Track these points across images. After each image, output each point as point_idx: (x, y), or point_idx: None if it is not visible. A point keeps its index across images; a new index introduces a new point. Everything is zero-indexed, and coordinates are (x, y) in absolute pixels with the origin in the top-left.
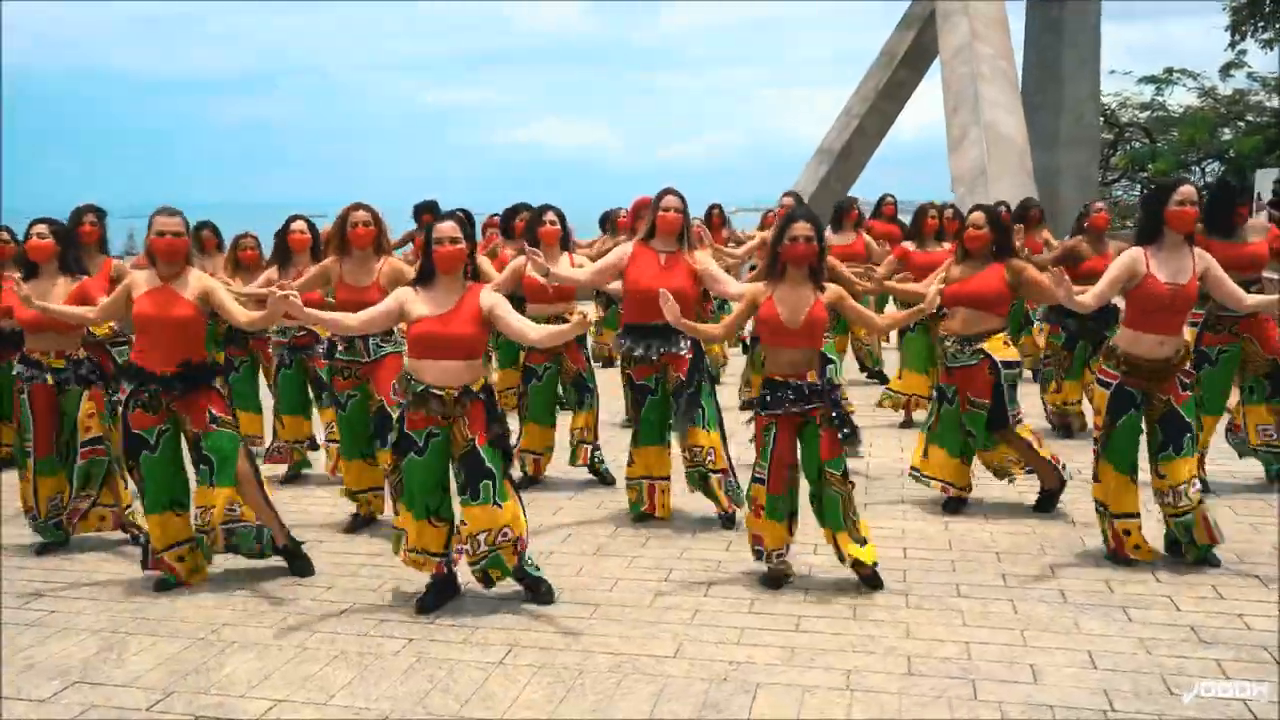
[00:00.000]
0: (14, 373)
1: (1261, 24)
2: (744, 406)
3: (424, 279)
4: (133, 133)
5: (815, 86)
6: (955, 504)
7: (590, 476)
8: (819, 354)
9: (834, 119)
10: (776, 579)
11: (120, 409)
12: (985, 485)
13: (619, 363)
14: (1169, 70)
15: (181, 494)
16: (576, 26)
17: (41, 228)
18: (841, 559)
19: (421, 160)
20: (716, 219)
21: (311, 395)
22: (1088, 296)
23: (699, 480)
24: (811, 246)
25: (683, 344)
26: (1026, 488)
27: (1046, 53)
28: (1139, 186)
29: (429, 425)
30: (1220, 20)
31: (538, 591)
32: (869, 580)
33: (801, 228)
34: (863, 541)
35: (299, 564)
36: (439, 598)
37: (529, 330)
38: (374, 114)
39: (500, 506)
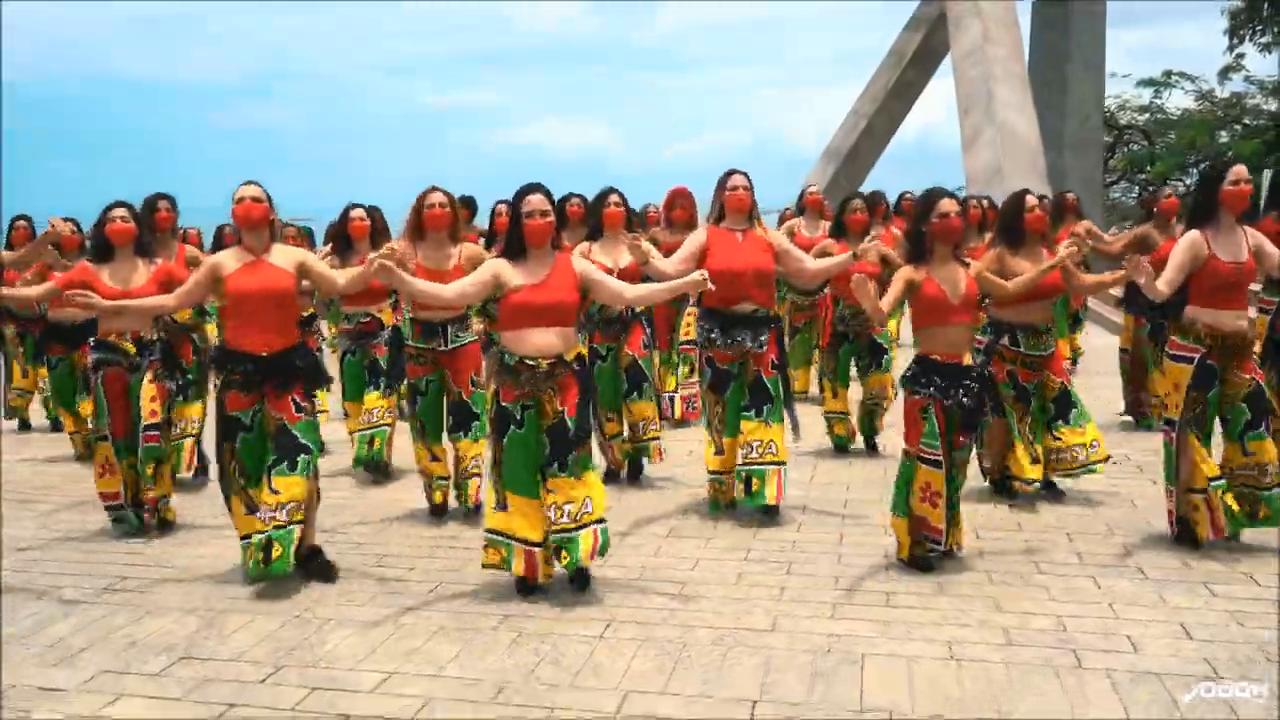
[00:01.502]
0: (90, 359)
1: (1260, 28)
2: (904, 383)
3: (513, 253)
4: (132, 134)
5: (816, 86)
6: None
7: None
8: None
9: (840, 119)
10: (928, 562)
11: (217, 392)
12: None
13: (686, 345)
14: (1167, 73)
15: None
16: (577, 26)
17: (122, 211)
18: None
19: (421, 160)
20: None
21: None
22: (1162, 284)
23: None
24: (960, 221)
25: (765, 337)
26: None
27: (1052, 54)
28: (1137, 189)
29: (521, 398)
30: (1219, 23)
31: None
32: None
33: (949, 204)
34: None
35: (320, 566)
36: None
37: (625, 290)
38: (373, 115)
39: (580, 479)
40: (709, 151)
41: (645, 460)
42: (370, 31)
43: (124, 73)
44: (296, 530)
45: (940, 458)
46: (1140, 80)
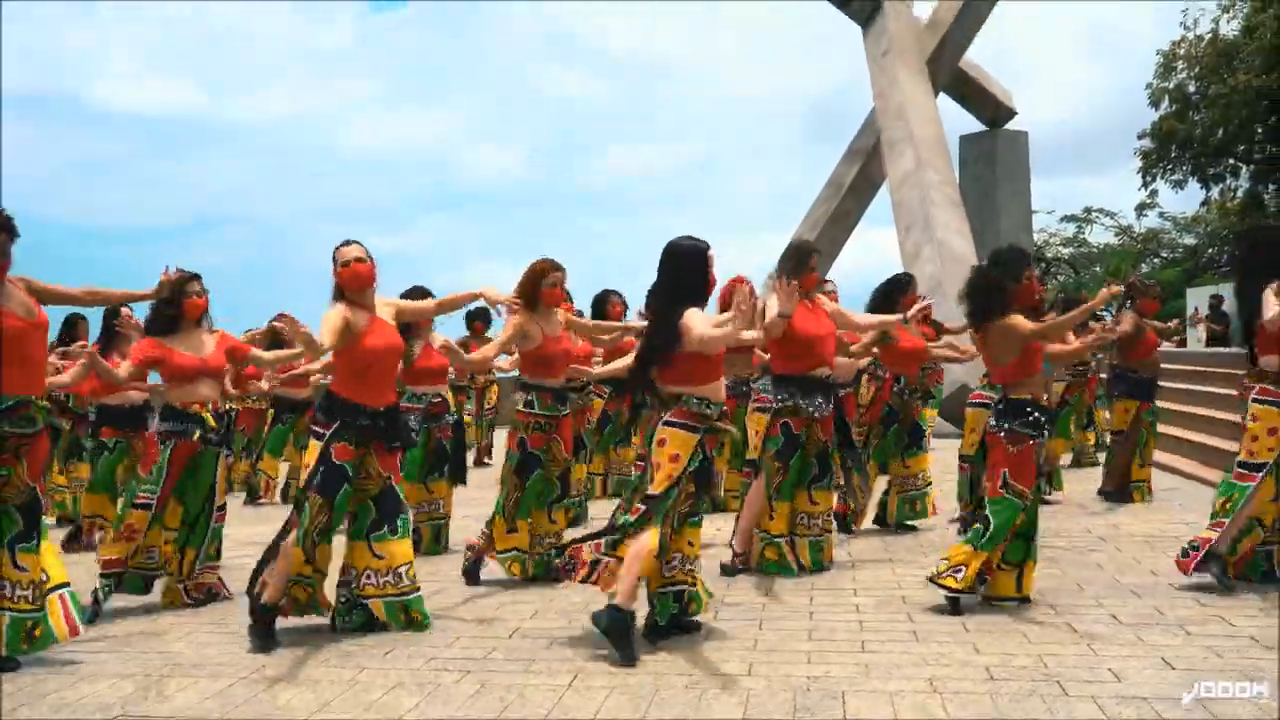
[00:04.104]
0: (160, 428)
1: (1169, 167)
2: (1021, 428)
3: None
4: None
5: (756, 229)
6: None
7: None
8: None
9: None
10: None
11: (323, 442)
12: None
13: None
14: (1088, 209)
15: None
16: (515, 175)
17: (198, 285)
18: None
19: None
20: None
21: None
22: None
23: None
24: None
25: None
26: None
27: (981, 181)
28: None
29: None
30: (1129, 166)
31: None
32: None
33: (1031, 270)
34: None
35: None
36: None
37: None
38: (311, 258)
39: (830, 492)
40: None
41: None
42: (307, 175)
43: (58, 218)
44: (418, 592)
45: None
46: (1064, 216)
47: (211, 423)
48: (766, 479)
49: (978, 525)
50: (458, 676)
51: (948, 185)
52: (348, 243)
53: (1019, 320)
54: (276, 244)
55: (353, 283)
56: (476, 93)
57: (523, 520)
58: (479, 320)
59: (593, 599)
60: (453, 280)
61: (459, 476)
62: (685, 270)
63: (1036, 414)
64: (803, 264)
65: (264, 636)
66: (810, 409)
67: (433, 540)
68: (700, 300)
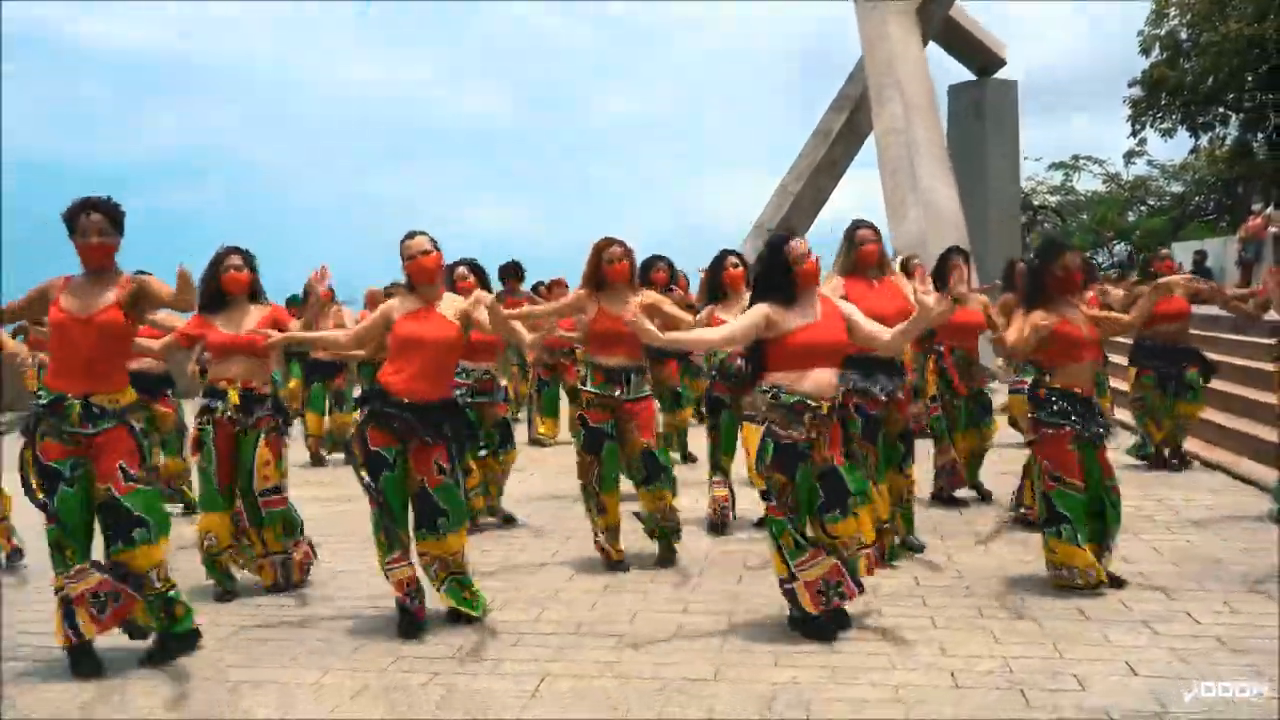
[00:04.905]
0: (199, 404)
1: (1159, 115)
2: (1047, 418)
3: (778, 298)
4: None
5: (737, 168)
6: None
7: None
8: None
9: (761, 199)
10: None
11: (359, 427)
12: (975, 513)
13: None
14: (1076, 157)
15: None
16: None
17: (237, 260)
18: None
19: (344, 241)
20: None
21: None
22: None
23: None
24: (1083, 275)
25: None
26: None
27: (969, 134)
28: None
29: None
30: (1120, 108)
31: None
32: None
33: (1075, 258)
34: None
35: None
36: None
37: (882, 332)
38: (296, 200)
39: (857, 516)
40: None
41: None
42: (291, 117)
43: (44, 157)
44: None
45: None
46: (1052, 163)
47: (234, 399)
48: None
49: (1056, 522)
50: (424, 679)
51: (935, 140)
52: (413, 234)
53: (1034, 316)
54: (261, 186)
55: (420, 276)
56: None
57: (607, 495)
58: (513, 278)
59: (563, 587)
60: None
61: (501, 450)
62: (765, 263)
63: (1063, 403)
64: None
65: (412, 626)
66: (868, 389)
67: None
68: (781, 294)
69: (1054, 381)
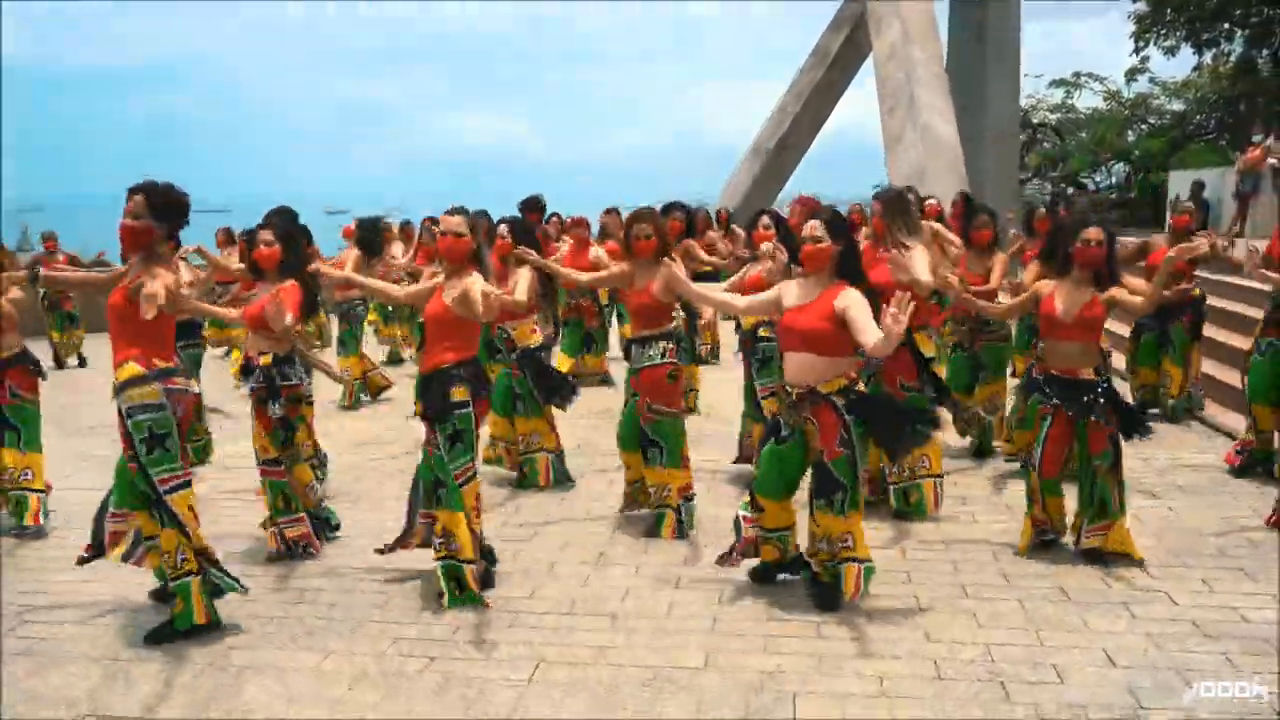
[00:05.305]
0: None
1: (1163, 31)
2: (1025, 391)
3: (791, 274)
4: (34, 125)
5: (737, 79)
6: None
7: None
8: (1099, 350)
9: (759, 114)
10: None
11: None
12: (967, 485)
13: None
14: (1077, 74)
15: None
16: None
17: (267, 235)
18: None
19: (333, 152)
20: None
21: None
22: None
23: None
24: (1102, 250)
25: None
26: (1014, 487)
27: (969, 54)
28: (1050, 185)
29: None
30: (1123, 24)
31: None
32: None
33: (1094, 233)
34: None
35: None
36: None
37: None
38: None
39: (846, 516)
40: (629, 150)
41: None
42: (277, 28)
43: (24, 63)
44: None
45: (1037, 462)
46: (1052, 80)
47: (266, 364)
48: None
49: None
50: (421, 665)
51: (934, 63)
52: (451, 211)
53: (1039, 285)
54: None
55: (444, 254)
56: None
57: (624, 454)
58: (534, 211)
59: (557, 559)
60: (420, 123)
61: (562, 401)
62: (781, 236)
63: (1044, 385)
64: (752, 228)
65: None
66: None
67: (534, 476)
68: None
69: (1039, 365)
